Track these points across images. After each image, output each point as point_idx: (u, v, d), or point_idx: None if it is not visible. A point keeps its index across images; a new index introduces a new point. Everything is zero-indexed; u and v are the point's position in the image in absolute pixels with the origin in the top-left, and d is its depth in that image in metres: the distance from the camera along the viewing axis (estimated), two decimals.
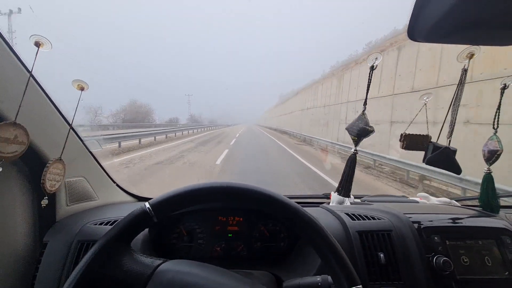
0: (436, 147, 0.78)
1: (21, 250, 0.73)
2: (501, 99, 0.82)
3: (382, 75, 9.62)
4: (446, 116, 0.78)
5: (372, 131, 0.78)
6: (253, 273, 0.71)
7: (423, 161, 0.82)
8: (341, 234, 0.77)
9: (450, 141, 0.78)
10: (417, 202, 1.22)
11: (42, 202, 0.73)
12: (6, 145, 0.56)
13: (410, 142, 0.86)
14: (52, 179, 0.70)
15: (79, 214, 0.88)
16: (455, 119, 0.75)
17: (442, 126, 0.79)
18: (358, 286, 0.45)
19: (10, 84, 0.63)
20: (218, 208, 0.90)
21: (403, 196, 1.42)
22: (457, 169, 0.80)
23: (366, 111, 0.81)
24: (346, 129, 0.83)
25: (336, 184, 0.96)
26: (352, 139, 0.82)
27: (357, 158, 0.89)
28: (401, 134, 0.86)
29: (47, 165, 0.68)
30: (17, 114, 0.59)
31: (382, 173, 7.12)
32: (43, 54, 0.63)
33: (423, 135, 0.87)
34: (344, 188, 0.85)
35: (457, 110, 0.75)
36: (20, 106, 0.60)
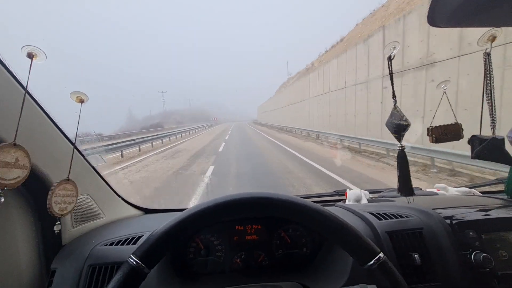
0: (483, 140, 0.74)
1: (27, 281, 0.67)
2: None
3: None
4: (482, 106, 0.73)
5: (408, 125, 0.73)
6: (281, 285, 0.66)
7: (472, 156, 0.77)
8: (369, 236, 0.73)
9: (494, 130, 0.74)
10: (436, 193, 1.18)
11: (55, 228, 0.68)
12: (7, 170, 0.50)
13: (440, 134, 0.81)
14: (61, 202, 0.64)
15: (87, 235, 0.82)
16: (494, 106, 0.71)
17: (481, 118, 0.74)
18: (380, 255, 0.47)
19: (5, 102, 0.57)
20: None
21: (416, 187, 1.38)
22: (510, 160, 0.74)
23: (397, 104, 0.76)
24: (386, 125, 0.78)
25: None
26: (393, 136, 0.76)
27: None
28: (427, 129, 0.81)
29: (52, 188, 0.62)
30: (16, 134, 0.53)
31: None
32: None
33: (452, 124, 0.82)
34: (405, 186, 0.78)
35: (493, 96, 0.70)
36: (18, 125, 0.53)
